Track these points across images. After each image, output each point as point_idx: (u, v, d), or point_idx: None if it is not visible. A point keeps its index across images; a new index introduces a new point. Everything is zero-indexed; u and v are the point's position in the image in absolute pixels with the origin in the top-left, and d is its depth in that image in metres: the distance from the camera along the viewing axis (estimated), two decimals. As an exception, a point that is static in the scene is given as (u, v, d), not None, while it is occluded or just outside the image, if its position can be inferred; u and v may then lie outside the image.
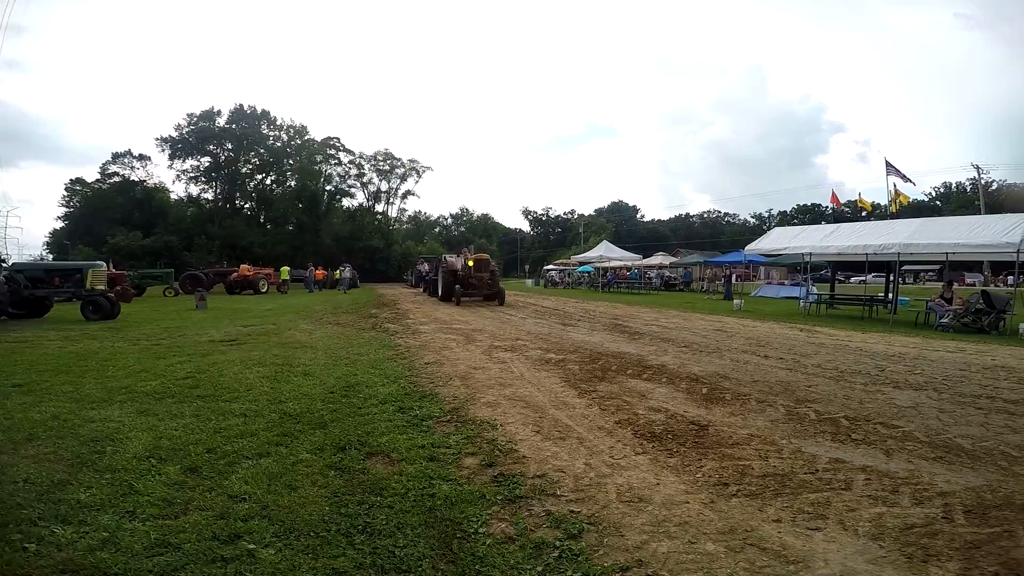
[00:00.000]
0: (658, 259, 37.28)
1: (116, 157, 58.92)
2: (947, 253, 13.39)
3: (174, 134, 57.83)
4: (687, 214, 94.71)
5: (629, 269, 35.50)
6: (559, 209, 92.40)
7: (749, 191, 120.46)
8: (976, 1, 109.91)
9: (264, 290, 27.60)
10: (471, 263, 18.75)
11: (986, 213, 26.84)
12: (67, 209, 57.13)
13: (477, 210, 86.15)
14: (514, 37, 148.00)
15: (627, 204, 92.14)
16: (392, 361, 6.93)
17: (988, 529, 2.50)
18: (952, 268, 17.81)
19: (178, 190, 59.82)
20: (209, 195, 60.66)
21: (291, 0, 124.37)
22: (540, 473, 3.17)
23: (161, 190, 58.69)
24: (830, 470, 3.25)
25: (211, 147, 58.71)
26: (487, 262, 19.23)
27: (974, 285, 29.61)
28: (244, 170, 61.05)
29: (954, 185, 64.39)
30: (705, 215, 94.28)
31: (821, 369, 6.63)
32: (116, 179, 57.77)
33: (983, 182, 46.82)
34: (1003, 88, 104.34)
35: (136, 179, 58.53)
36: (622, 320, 13.12)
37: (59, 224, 57.16)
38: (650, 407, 4.68)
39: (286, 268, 30.26)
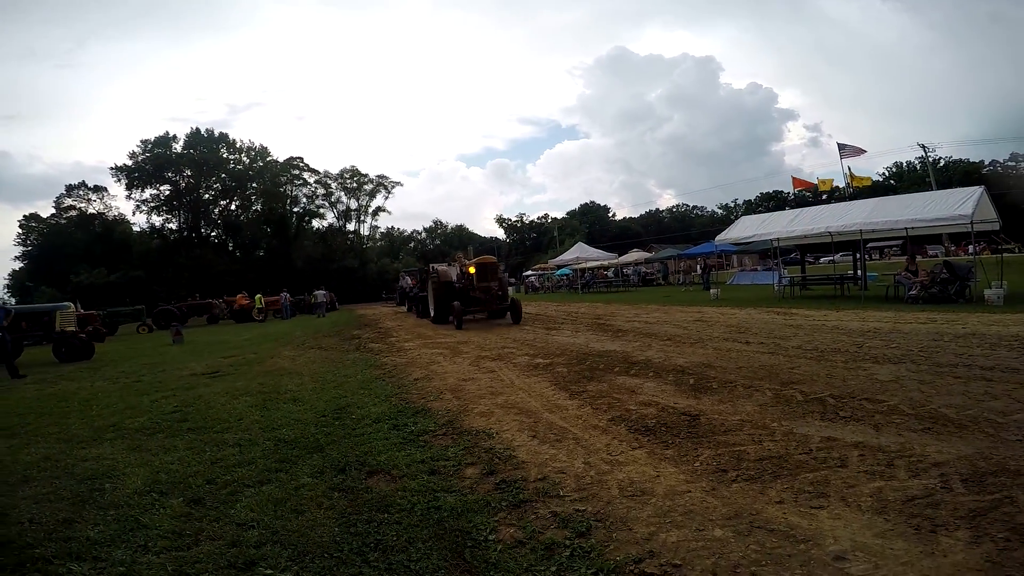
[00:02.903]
0: (633, 256, 37.82)
1: (71, 189, 56.64)
2: (906, 228, 14.01)
3: (129, 163, 55.90)
4: (656, 209, 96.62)
5: (607, 268, 35.94)
6: (532, 215, 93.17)
7: (712, 183, 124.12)
8: None
9: (260, 318, 27.30)
10: (472, 269, 14.44)
11: (938, 188, 28.16)
12: (24, 248, 54.63)
13: (451, 222, 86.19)
14: (469, 45, 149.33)
15: (598, 204, 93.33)
16: (381, 380, 6.89)
17: (988, 496, 2.54)
18: (914, 242, 18.55)
19: (140, 221, 58.02)
20: (173, 225, 58.85)
21: (238, 18, 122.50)
22: (541, 476, 3.21)
23: (122, 222, 56.69)
24: (824, 448, 3.32)
25: (170, 174, 56.94)
26: (494, 266, 14.65)
27: (936, 256, 30.90)
28: (207, 196, 59.46)
29: (905, 163, 66.93)
30: (674, 209, 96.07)
31: (802, 350, 6.80)
32: (73, 213, 55.46)
33: (931, 160, 49.04)
34: (936, 69, 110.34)
35: (94, 211, 56.35)
36: (604, 319, 13.26)
37: (18, 264, 54.74)
38: (641, 402, 4.74)
39: (260, 296, 29.71)
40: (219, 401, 6.01)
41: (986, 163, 58.52)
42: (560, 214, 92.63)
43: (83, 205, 56.63)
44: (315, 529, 2.69)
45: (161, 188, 57.29)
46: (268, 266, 54.24)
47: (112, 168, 56.28)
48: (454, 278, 15.50)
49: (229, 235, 61.05)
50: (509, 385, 6.00)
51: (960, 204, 11.94)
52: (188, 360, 10.68)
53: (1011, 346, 6.24)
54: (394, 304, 34.26)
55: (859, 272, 16.20)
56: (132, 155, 56.36)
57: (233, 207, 61.37)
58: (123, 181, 55.90)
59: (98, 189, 57.35)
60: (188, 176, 57.94)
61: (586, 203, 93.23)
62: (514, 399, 5.28)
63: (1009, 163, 57.85)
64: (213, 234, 61.10)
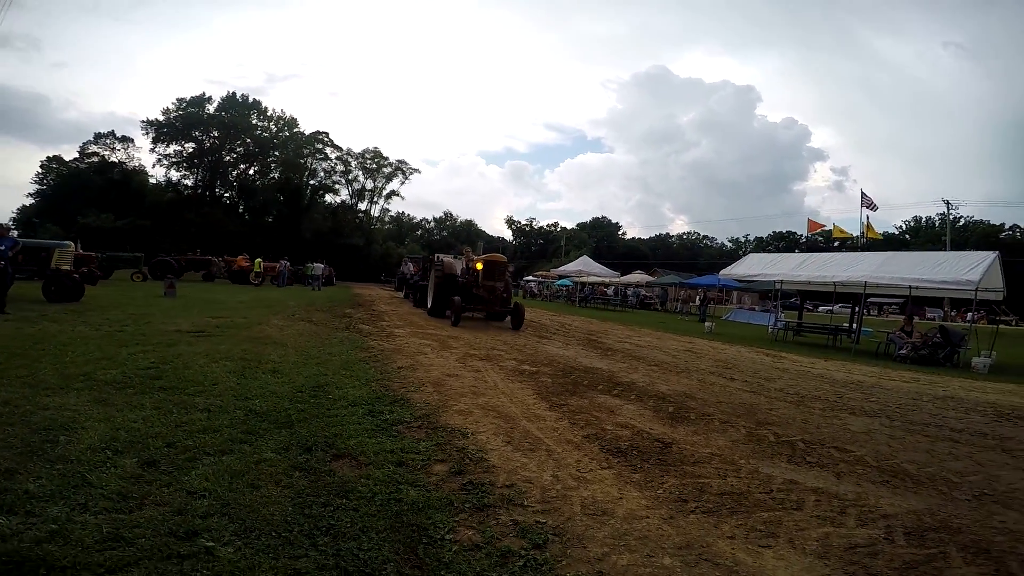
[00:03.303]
0: (635, 277, 37.81)
1: (98, 137, 57.58)
2: (910, 287, 13.98)
3: (161, 118, 56.76)
4: (667, 234, 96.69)
5: (607, 285, 35.92)
6: (543, 221, 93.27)
7: (727, 214, 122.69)
8: (967, 30, 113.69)
9: (256, 282, 27.33)
10: (479, 266, 13.78)
11: (952, 249, 28.16)
12: (39, 187, 55.05)
13: (461, 215, 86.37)
14: (507, 44, 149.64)
15: (609, 220, 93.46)
16: (364, 363, 6.87)
17: (925, 550, 2.66)
18: (915, 302, 18.59)
19: (158, 174, 58.51)
20: (189, 181, 59.42)
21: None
22: (509, 483, 3.21)
23: (140, 172, 57.10)
24: (784, 490, 3.38)
25: (197, 133, 57.65)
26: (502, 266, 14.03)
27: (934, 320, 30.95)
28: (228, 158, 60.11)
29: (924, 219, 67.07)
30: (684, 236, 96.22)
31: (783, 393, 6.86)
32: (94, 159, 56.00)
33: (951, 218, 48.97)
34: (982, 123, 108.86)
35: (116, 160, 56.88)
36: (596, 336, 13.28)
37: (29, 201, 55.09)
38: (618, 423, 4.76)
39: (259, 260, 29.71)
40: (197, 363, 5.96)
41: (1007, 227, 58.54)
42: (570, 224, 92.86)
43: (107, 153, 57.30)
44: (268, 506, 2.66)
45: (185, 145, 57.99)
46: (275, 233, 54.44)
47: (143, 121, 57.22)
48: (458, 272, 15.01)
49: (242, 198, 61.43)
50: (492, 387, 6.00)
51: (970, 269, 11.91)
52: (176, 315, 10.64)
53: (984, 412, 6.42)
54: (392, 288, 34.26)
55: (855, 325, 16.24)
56: (165, 111, 57.39)
57: (252, 172, 61.89)
58: (151, 134, 56.77)
59: (125, 139, 58.33)
60: (214, 137, 58.61)
61: (598, 217, 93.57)
62: (495, 402, 5.28)
63: None
64: (227, 195, 61.51)
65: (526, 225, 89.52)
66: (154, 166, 58.29)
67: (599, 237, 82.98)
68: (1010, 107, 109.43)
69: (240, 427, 3.84)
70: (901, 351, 12.47)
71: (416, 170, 71.82)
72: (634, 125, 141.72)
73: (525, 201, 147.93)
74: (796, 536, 2.75)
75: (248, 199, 60.89)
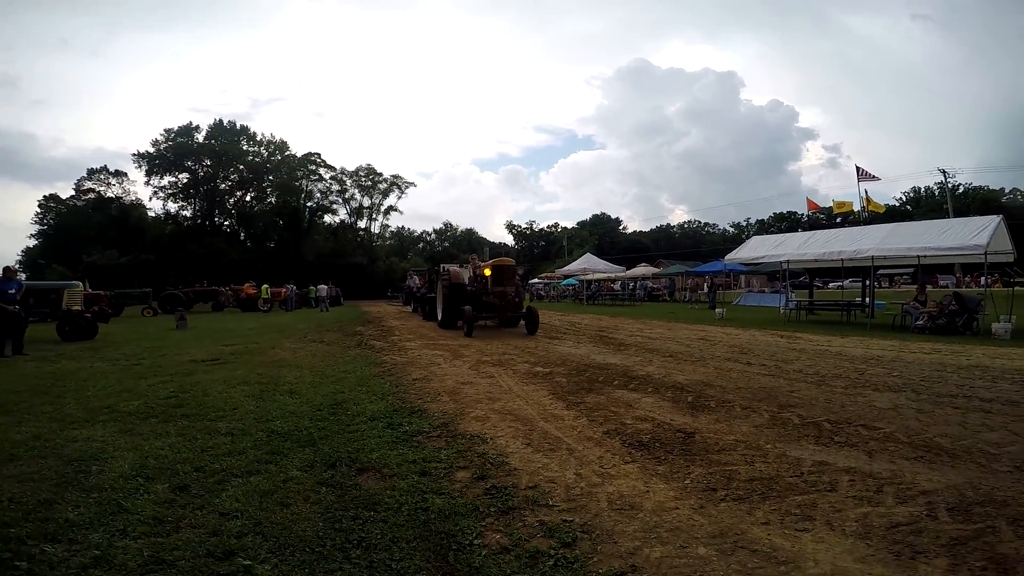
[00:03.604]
0: (641, 270, 37.72)
1: (92, 173, 58.24)
2: (919, 256, 13.86)
3: (151, 150, 57.50)
4: (668, 224, 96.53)
5: (613, 281, 35.84)
6: (543, 223, 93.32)
7: (725, 200, 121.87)
8: (933, 2, 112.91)
9: (265, 309, 27.56)
10: (488, 271, 13.21)
11: (955, 216, 27.83)
12: (40, 227, 55.97)
13: (461, 225, 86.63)
14: (489, 51, 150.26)
15: (609, 216, 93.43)
16: (379, 378, 6.90)
17: (972, 526, 2.56)
18: (925, 271, 18.37)
19: (155, 207, 59.30)
20: (188, 212, 60.11)
21: (265, 16, 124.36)
22: (532, 484, 3.20)
23: (138, 207, 57.92)
24: (815, 472, 3.31)
25: (189, 163, 58.38)
26: (511, 269, 13.46)
27: (947, 287, 30.58)
28: (223, 186, 60.76)
29: (923, 188, 66.43)
30: (685, 225, 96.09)
31: (803, 374, 6.77)
32: (91, 196, 56.82)
33: (950, 186, 48.48)
34: (962, 91, 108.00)
35: (112, 196, 57.73)
36: (607, 332, 13.23)
37: (32, 242, 56.05)
38: (637, 417, 4.73)
39: (266, 287, 29.96)
40: (216, 389, 6.04)
41: (1007, 191, 58.00)
42: (571, 224, 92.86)
43: (102, 188, 58.08)
44: (299, 523, 2.68)
45: (180, 176, 58.63)
46: (277, 258, 55.00)
47: (134, 154, 57.94)
48: (466, 280, 14.47)
49: (242, 225, 62.11)
50: (507, 391, 5.99)
51: (976, 234, 11.79)
52: (189, 346, 10.76)
53: (1013, 380, 6.24)
54: (400, 303, 34.30)
55: (867, 299, 16.07)
56: (155, 143, 58.08)
57: (248, 198, 62.47)
58: (143, 167, 57.41)
59: (118, 174, 58.98)
60: (207, 166, 59.28)
61: (597, 214, 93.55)
62: (511, 406, 5.27)
63: None
64: (226, 223, 62.21)
65: (527, 228, 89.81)
66: (151, 199, 58.93)
67: (600, 234, 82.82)
68: (985, 76, 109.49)
69: (264, 448, 3.88)
70: (918, 322, 12.31)
71: (411, 183, 72.29)
72: (623, 120, 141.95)
73: (523, 205, 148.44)
74: (833, 518, 2.69)
75: (248, 226, 61.60)
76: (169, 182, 58.28)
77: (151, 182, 57.61)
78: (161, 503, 2.91)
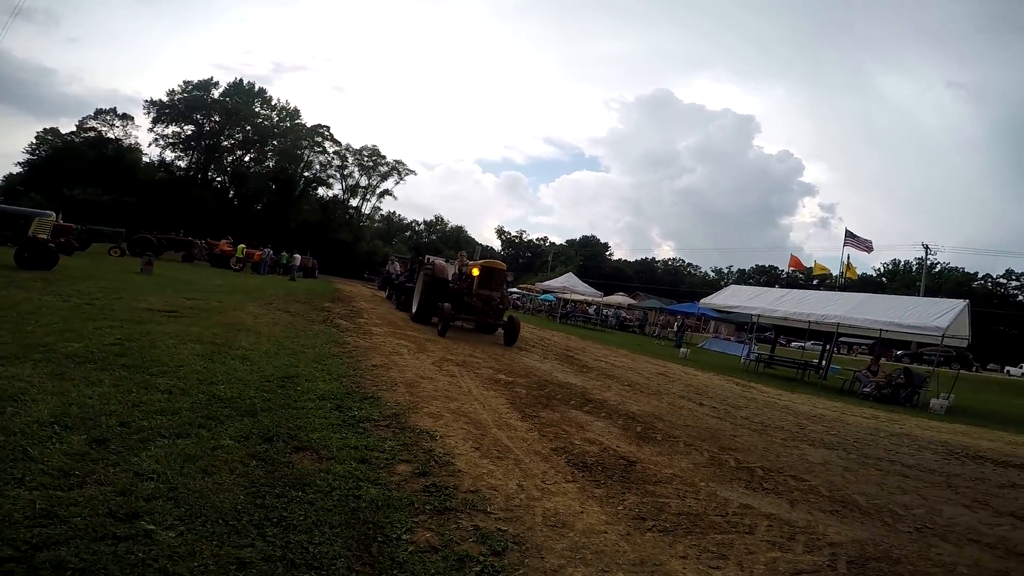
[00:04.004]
0: (618, 299, 38.22)
1: (99, 113, 57.06)
2: (881, 330, 14.40)
3: (165, 99, 56.62)
4: (653, 258, 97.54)
5: (590, 304, 36.15)
6: (533, 234, 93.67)
7: (713, 243, 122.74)
8: (972, 70, 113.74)
9: (237, 268, 26.93)
10: (476, 271, 12.32)
11: (926, 294, 28.91)
12: (30, 156, 53.82)
13: (452, 221, 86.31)
14: (515, 55, 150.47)
15: (598, 240, 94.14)
16: (337, 358, 6.75)
17: None
18: (884, 343, 19.11)
19: (152, 154, 57.93)
20: (183, 163, 58.94)
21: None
22: (474, 488, 3.19)
23: (134, 150, 56.50)
24: (739, 514, 3.44)
25: (198, 116, 57.45)
26: (500, 274, 12.57)
27: (900, 361, 31.79)
28: (226, 143, 59.79)
29: (903, 262, 67.93)
30: (669, 262, 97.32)
31: (748, 421, 7.02)
32: (91, 134, 55.26)
33: (928, 263, 50.24)
34: (969, 167, 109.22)
35: (113, 137, 56.34)
36: (574, 352, 13.33)
37: (17, 169, 53.82)
38: (586, 438, 4.77)
39: (242, 246, 29.25)
40: (165, 343, 5.79)
41: (979, 275, 60.09)
42: (560, 240, 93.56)
43: (105, 128, 56.62)
44: (219, 493, 2.59)
45: (185, 127, 57.58)
46: (263, 221, 53.73)
47: (146, 101, 56.88)
48: (449, 276, 13.62)
49: (234, 183, 60.70)
50: (466, 393, 5.96)
51: (939, 315, 12.34)
52: (149, 293, 10.38)
53: (936, 450, 6.73)
54: (375, 287, 33.85)
55: (824, 362, 16.62)
56: (171, 92, 57.17)
57: (247, 159, 61.54)
58: (152, 114, 56.39)
59: (125, 117, 57.79)
60: (215, 121, 58.32)
61: (587, 236, 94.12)
62: (467, 408, 5.25)
63: (1000, 279, 59.72)
64: (219, 179, 61.04)
65: (516, 237, 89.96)
66: (150, 145, 57.68)
67: (586, 255, 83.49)
68: (998, 153, 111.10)
69: (201, 411, 3.73)
70: (865, 389, 12.87)
71: (412, 171, 71.99)
72: (632, 147, 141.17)
73: (517, 212, 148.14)
74: (745, 559, 2.80)
75: (240, 185, 60.21)
76: (173, 132, 57.26)
77: (155, 129, 56.59)
78: (72, 455, 2.73)
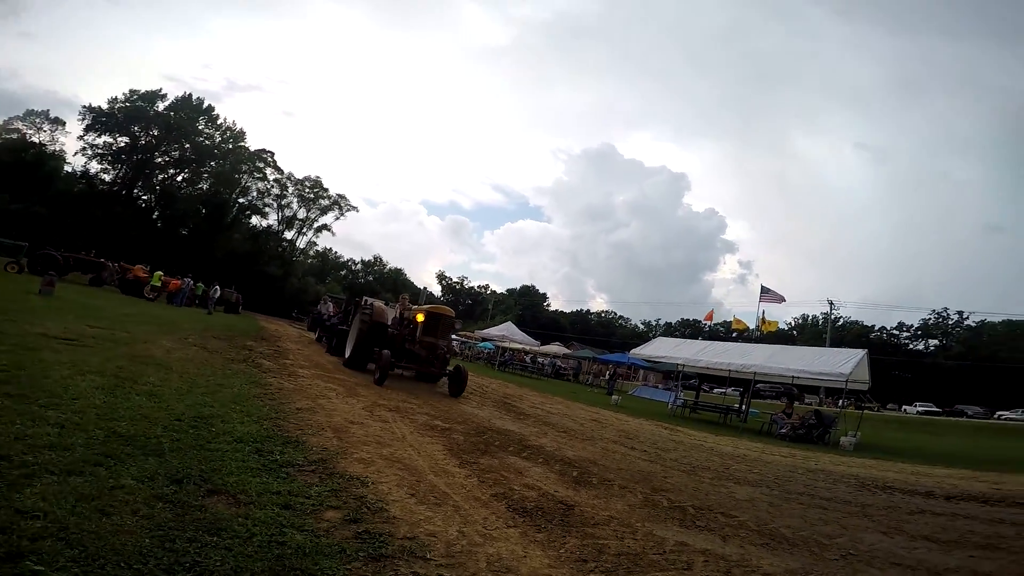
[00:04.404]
0: (554, 348, 38.84)
1: (28, 114, 52.26)
2: (793, 376, 15.72)
3: (104, 106, 52.07)
4: (587, 310, 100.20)
5: (526, 353, 36.32)
6: (474, 281, 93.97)
7: (643, 297, 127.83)
8: (878, 132, 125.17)
9: (151, 297, 24.62)
10: (420, 317, 11.38)
11: (832, 345, 31.81)
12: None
13: (391, 262, 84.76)
14: (468, 99, 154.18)
15: (536, 290, 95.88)
16: (258, 400, 6.25)
17: None
18: (797, 388, 20.75)
19: (77, 164, 52.52)
20: (108, 177, 53.65)
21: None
22: (411, 535, 3.03)
23: (56, 158, 51.24)
24: (675, 551, 3.52)
25: (136, 128, 53.07)
26: (448, 321, 11.88)
27: (810, 405, 34.25)
28: (159, 160, 55.48)
29: (811, 316, 74.94)
30: (602, 314, 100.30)
31: (678, 463, 7.31)
32: (13, 136, 49.97)
33: (832, 317, 55.72)
34: (869, 227, 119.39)
35: (37, 141, 51.09)
36: (511, 399, 13.26)
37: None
38: (525, 484, 4.72)
39: (159, 273, 26.97)
40: (60, 372, 5.14)
41: (876, 328, 67.30)
42: (500, 288, 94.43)
43: (31, 131, 51.59)
44: (120, 536, 2.29)
45: (119, 139, 52.93)
46: (188, 247, 49.79)
47: (83, 107, 52.09)
48: (389, 321, 12.60)
49: (160, 204, 56.03)
50: (400, 439, 5.70)
51: (843, 363, 13.91)
52: (47, 317, 9.22)
53: (849, 483, 7.30)
54: (304, 328, 32.01)
55: (744, 407, 17.70)
56: (112, 100, 52.81)
57: (180, 178, 57.37)
58: (86, 121, 51.55)
59: (57, 121, 53.16)
60: (152, 135, 54.20)
61: (527, 285, 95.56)
62: (401, 454, 5.02)
63: (894, 331, 67.17)
64: (144, 198, 56.14)
65: (457, 283, 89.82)
66: (76, 154, 52.24)
67: (525, 305, 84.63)
68: (893, 213, 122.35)
69: (98, 448, 3.31)
70: (782, 430, 13.88)
71: (354, 208, 69.83)
72: (575, 199, 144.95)
73: (460, 258, 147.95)
74: None
75: (166, 206, 55.59)
76: (104, 142, 52.35)
77: (85, 137, 51.54)
78: None
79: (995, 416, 42.04)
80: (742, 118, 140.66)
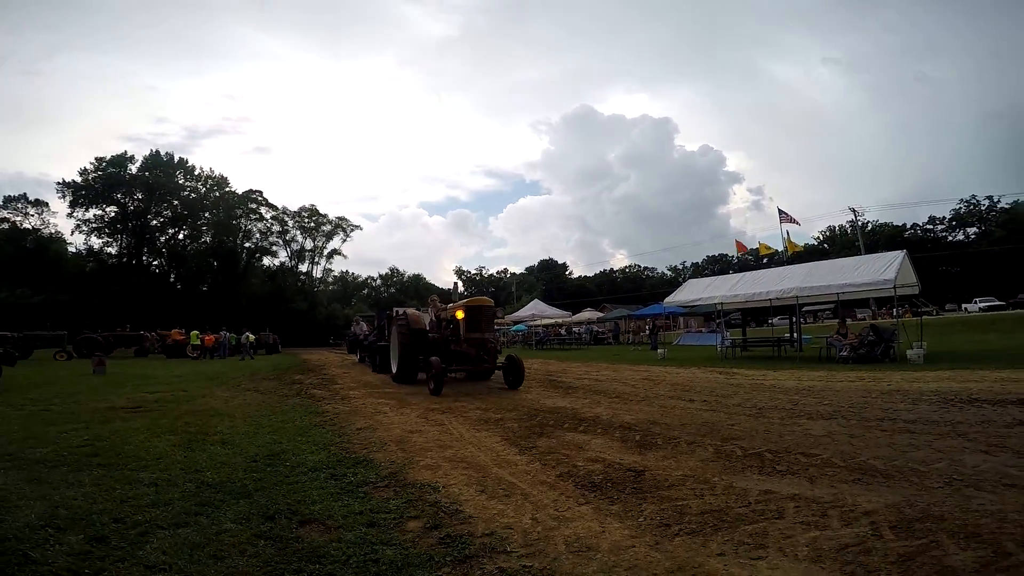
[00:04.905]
0: (587, 315, 38.62)
1: (8, 201, 53.03)
2: (837, 293, 15.04)
3: (78, 179, 52.95)
4: (610, 269, 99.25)
5: (561, 326, 36.37)
6: (492, 268, 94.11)
7: (662, 244, 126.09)
8: (842, 45, 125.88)
9: (195, 356, 25.68)
10: (460, 314, 10.75)
11: (866, 252, 30.77)
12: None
13: (408, 270, 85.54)
14: (440, 94, 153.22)
15: (556, 262, 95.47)
16: (320, 428, 6.55)
17: (916, 541, 2.69)
18: (844, 305, 19.99)
19: (78, 242, 54.22)
20: (113, 249, 55.25)
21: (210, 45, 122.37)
22: (488, 531, 3.11)
23: (57, 241, 52.77)
24: (762, 501, 3.41)
25: (119, 196, 54.08)
26: (489, 311, 11.12)
27: (864, 320, 33.26)
28: (155, 223, 56.67)
29: (837, 227, 70.90)
30: (626, 270, 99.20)
31: (742, 408, 7.09)
32: (4, 226, 51.51)
33: (859, 224, 53.56)
34: (863, 133, 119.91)
35: (29, 227, 52.45)
36: (556, 376, 13.30)
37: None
38: (588, 458, 4.74)
39: (195, 332, 28.03)
40: (137, 438, 5.51)
41: (908, 226, 63.92)
42: (519, 269, 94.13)
43: (19, 219, 52.82)
44: (237, 576, 2.49)
45: (107, 209, 54.12)
46: (211, 301, 51.41)
47: (59, 183, 53.15)
48: (427, 325, 12.28)
49: (173, 265, 57.87)
50: (458, 439, 5.84)
51: (884, 269, 12.99)
52: (108, 392, 9.81)
53: (930, 401, 6.80)
54: (343, 351, 32.85)
55: (795, 335, 17.20)
56: (83, 172, 53.65)
57: (181, 236, 58.61)
58: (67, 197, 52.61)
59: (38, 203, 54.04)
60: (138, 199, 55.20)
61: (545, 260, 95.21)
62: (463, 453, 5.15)
63: (927, 226, 63.73)
64: (156, 263, 57.86)
65: (476, 274, 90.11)
66: (72, 233, 53.67)
67: (548, 279, 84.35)
68: (883, 116, 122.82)
69: (193, 500, 3.58)
70: (842, 353, 13.31)
71: (357, 227, 70.95)
72: (567, 165, 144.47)
73: (472, 250, 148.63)
74: (785, 544, 2.76)
75: (179, 266, 57.60)
76: (95, 215, 53.54)
77: (75, 214, 52.73)
78: (75, 554, 2.61)
79: (1065, 300, 39.77)
80: (707, 56, 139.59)
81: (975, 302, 43.51)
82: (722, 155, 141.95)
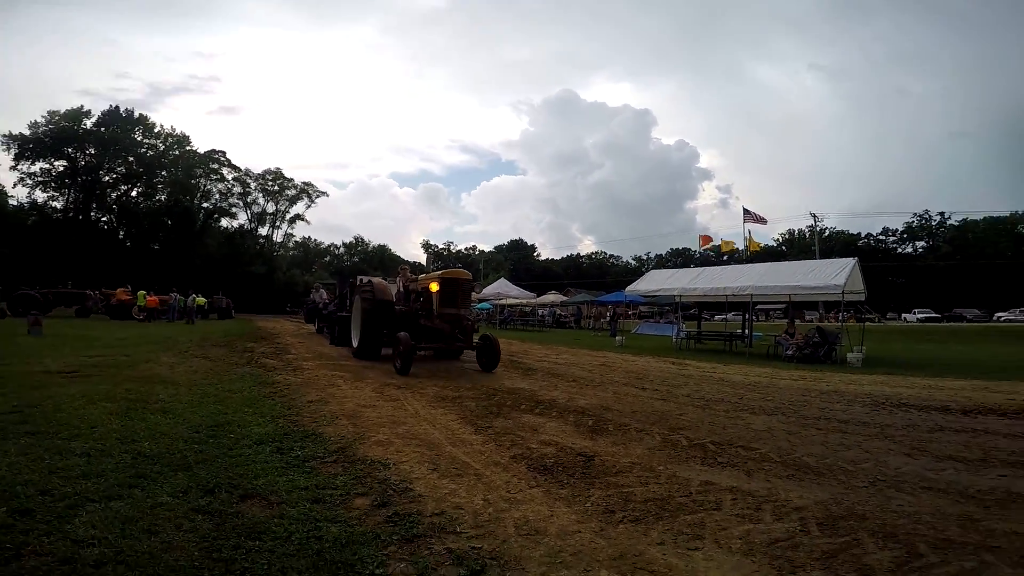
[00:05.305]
0: (551, 298, 39.02)
1: None
2: (790, 294, 15.80)
3: (27, 132, 49.27)
4: (578, 254, 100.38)
5: (525, 307, 36.60)
6: (460, 244, 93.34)
7: (630, 233, 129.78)
8: (829, 52, 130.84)
9: (141, 318, 24.39)
10: (435, 287, 9.87)
11: (821, 257, 32.27)
12: None
13: (374, 240, 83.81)
14: (422, 65, 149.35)
15: (525, 243, 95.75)
16: (269, 399, 6.35)
17: (839, 539, 2.82)
18: (794, 307, 20.91)
19: (20, 195, 50.48)
20: (59, 204, 51.76)
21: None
22: (438, 511, 3.11)
23: None
24: (702, 492, 3.53)
25: (70, 150, 50.56)
26: (467, 285, 10.29)
27: (812, 322, 34.97)
28: (107, 179, 53.27)
29: (796, 231, 75.53)
30: (592, 256, 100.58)
31: (690, 399, 7.33)
32: None
33: (818, 229, 56.12)
34: (839, 141, 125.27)
35: None
36: (517, 356, 13.39)
37: None
38: (542, 441, 4.79)
39: (143, 293, 26.66)
40: (72, 405, 5.20)
41: (863, 235, 68.01)
42: (488, 247, 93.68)
43: None
44: (170, 552, 2.41)
45: (56, 163, 50.51)
46: (163, 261, 48.79)
47: (4, 135, 49.06)
48: (393, 297, 11.32)
49: (123, 223, 54.56)
50: (413, 415, 5.79)
51: (835, 275, 13.69)
52: (43, 355, 9.21)
53: (864, 403, 7.21)
54: (300, 319, 31.88)
55: (746, 331, 17.95)
56: (33, 124, 49.82)
57: (134, 194, 55.33)
58: (13, 151, 48.86)
59: None
60: (90, 154, 51.65)
61: (515, 240, 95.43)
62: (417, 430, 5.10)
63: (880, 237, 67.93)
64: (104, 219, 54.39)
65: (444, 249, 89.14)
66: (15, 186, 50.12)
67: (516, 259, 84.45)
68: (857, 126, 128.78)
69: (128, 471, 3.42)
70: (788, 351, 14.01)
71: (323, 193, 68.73)
72: (545, 147, 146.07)
73: (442, 224, 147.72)
74: (720, 536, 2.86)
75: (130, 224, 54.41)
76: (41, 169, 50.00)
77: (19, 167, 49.12)
78: None
79: (994, 318, 42.58)
80: (694, 52, 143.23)
81: (914, 312, 46.48)
82: (696, 151, 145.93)
